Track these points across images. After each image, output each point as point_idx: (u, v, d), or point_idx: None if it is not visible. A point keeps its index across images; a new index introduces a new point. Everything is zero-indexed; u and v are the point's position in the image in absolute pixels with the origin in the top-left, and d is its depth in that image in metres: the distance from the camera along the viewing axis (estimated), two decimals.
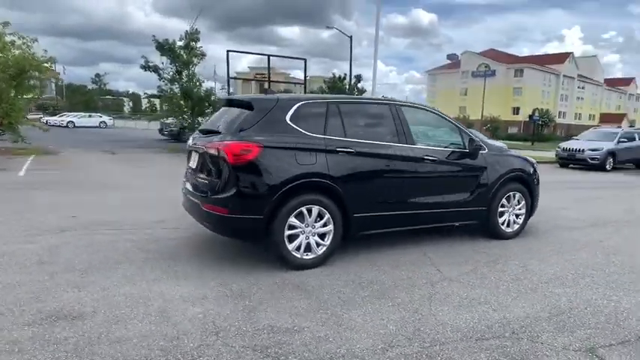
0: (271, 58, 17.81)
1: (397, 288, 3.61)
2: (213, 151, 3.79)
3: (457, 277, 3.91)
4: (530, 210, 5.42)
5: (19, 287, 3.37)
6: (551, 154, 19.51)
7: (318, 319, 3.00)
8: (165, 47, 16.33)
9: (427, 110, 5.03)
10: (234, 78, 26.27)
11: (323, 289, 3.53)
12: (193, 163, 4.25)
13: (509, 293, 3.57)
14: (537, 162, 5.95)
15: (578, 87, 77.23)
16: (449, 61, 72.80)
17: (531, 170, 5.41)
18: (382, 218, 4.30)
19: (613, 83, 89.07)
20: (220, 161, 3.71)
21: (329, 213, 3.94)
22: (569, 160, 16.13)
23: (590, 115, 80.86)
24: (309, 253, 3.92)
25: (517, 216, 5.30)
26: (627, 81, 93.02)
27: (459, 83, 73.81)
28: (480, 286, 3.72)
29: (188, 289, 3.44)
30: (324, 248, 3.99)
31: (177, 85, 16.68)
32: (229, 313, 3.06)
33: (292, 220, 3.79)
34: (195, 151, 4.19)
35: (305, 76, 20.97)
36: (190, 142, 4.45)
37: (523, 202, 5.31)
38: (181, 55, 16.43)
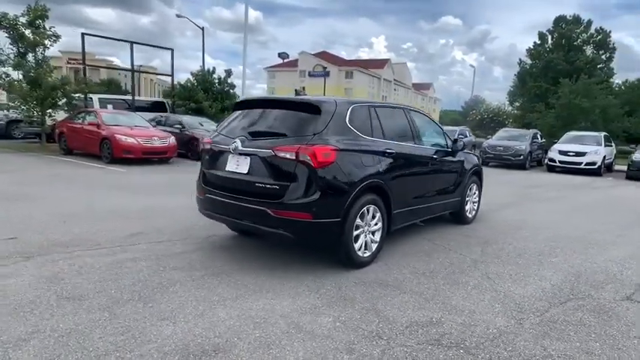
0: (89, 43, 16.19)
1: (455, 273, 4.10)
2: (288, 155, 3.60)
3: (481, 258, 4.61)
4: (479, 198, 6.54)
5: (92, 333, 2.69)
6: None
7: (438, 309, 3.27)
8: (2, 22, 13.13)
9: (421, 114, 5.61)
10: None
11: (404, 283, 3.78)
12: (237, 167, 3.91)
13: (530, 267, 4.41)
14: None
15: (394, 89, 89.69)
16: (281, 60, 76.60)
17: (480, 164, 6.53)
18: (410, 213, 4.72)
19: (418, 87, 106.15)
20: (299, 165, 3.57)
21: (379, 211, 4.16)
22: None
23: None
24: (366, 252, 4.08)
25: (474, 203, 6.34)
26: (427, 86, 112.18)
27: (297, 82, 77.69)
28: (506, 262, 4.49)
29: (288, 301, 3.27)
30: (376, 245, 4.20)
31: (21, 71, 13.60)
32: (360, 316, 3.08)
33: (357, 220, 3.90)
34: (245, 155, 3.86)
35: (172, 69, 19.49)
36: (224, 144, 4.07)
37: (477, 192, 6.39)
38: (26, 35, 13.45)
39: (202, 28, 26.50)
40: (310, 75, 75.18)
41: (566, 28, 48.94)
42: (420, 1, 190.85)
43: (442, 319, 3.10)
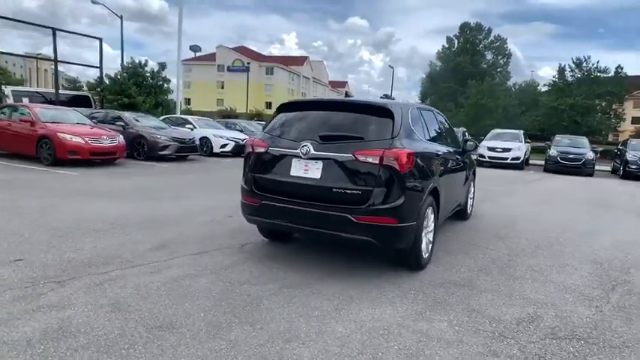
0: None
1: (505, 268, 4.35)
2: (371, 159, 3.52)
3: (512, 252, 4.94)
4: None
5: None
6: None
7: (524, 304, 3.45)
8: None
9: (442, 115, 5.78)
10: None
11: (473, 281, 3.92)
12: (306, 172, 3.72)
13: (556, 258, 4.83)
14: None
15: (313, 87, 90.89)
16: (193, 53, 73.83)
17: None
18: (444, 211, 4.88)
19: (334, 85, 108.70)
20: (383, 169, 3.51)
21: (433, 212, 4.26)
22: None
23: None
24: (426, 253, 4.16)
25: (471, 199, 6.75)
26: (343, 83, 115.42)
27: (216, 76, 75.24)
28: (535, 255, 4.86)
29: (389, 309, 3.22)
30: (431, 246, 4.29)
31: None
32: (467, 318, 3.14)
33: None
34: (317, 159, 3.69)
35: (101, 60, 17.73)
36: (287, 147, 3.84)
37: (473, 189, 6.81)
38: None
39: (121, 17, 24.41)
40: (230, 70, 73.24)
41: (470, 34, 53.48)
42: (329, 1, 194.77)
43: (537, 313, 3.28)
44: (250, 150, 4.13)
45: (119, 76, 18.65)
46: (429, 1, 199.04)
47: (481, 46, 53.89)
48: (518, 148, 18.13)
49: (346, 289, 3.55)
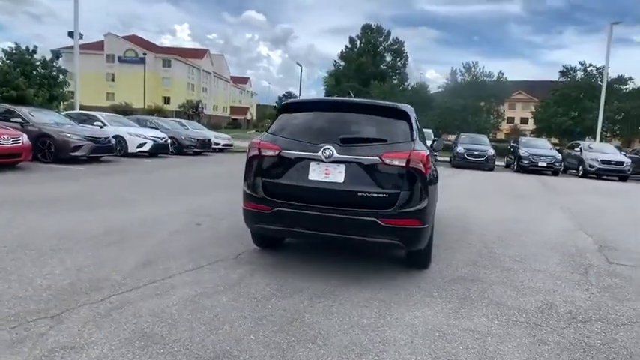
0: None
1: (497, 261, 4.68)
2: (397, 162, 3.51)
3: (496, 245, 5.33)
4: None
5: None
6: None
7: (535, 292, 3.76)
8: None
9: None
10: None
11: (480, 276, 4.15)
12: (327, 176, 3.58)
13: (545, 250, 5.34)
14: None
15: (214, 82, 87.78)
16: (71, 40, 66.64)
17: None
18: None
19: (236, 81, 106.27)
20: (409, 172, 3.53)
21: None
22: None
23: (223, 107, 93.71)
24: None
25: None
26: (245, 79, 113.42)
27: (105, 67, 68.68)
28: (504, 246, 5.32)
29: (429, 310, 3.27)
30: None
31: None
32: (499, 312, 3.33)
33: None
34: (339, 163, 3.56)
35: None
36: (303, 150, 3.65)
37: None
38: None
39: None
40: (121, 60, 67.59)
41: (371, 36, 56.26)
42: None
43: (548, 300, 3.60)
44: (256, 153, 3.85)
45: (2, 65, 15.95)
46: (325, 1, 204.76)
47: (381, 47, 57.04)
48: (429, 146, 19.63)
49: (375, 293, 3.51)
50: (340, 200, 3.57)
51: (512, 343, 2.81)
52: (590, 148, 19.79)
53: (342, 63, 58.19)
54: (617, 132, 38.89)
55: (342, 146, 3.60)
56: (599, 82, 37.57)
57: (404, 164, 3.52)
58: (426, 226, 3.63)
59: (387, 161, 3.52)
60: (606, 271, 4.46)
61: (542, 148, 19.92)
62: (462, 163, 18.65)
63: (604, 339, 2.95)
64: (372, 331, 2.88)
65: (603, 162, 17.72)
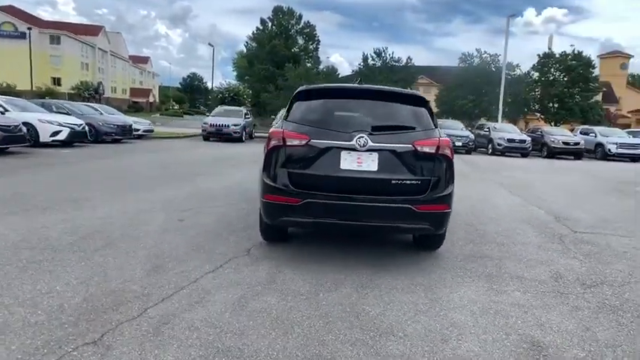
0: None
1: (497, 237, 5.01)
2: (428, 149, 3.56)
3: (470, 223, 5.69)
4: None
5: None
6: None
7: (543, 263, 4.13)
8: None
9: None
10: None
11: (488, 253, 4.42)
12: (361, 164, 3.51)
13: (519, 226, 5.80)
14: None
15: (112, 61, 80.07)
16: None
17: None
18: None
19: (135, 60, 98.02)
20: (438, 158, 3.60)
21: None
22: (216, 135, 18.94)
23: (123, 89, 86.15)
24: None
25: None
26: (145, 59, 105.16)
27: None
28: (483, 223, 5.72)
29: (469, 289, 3.42)
30: None
31: None
32: (520, 284, 3.60)
33: None
34: (371, 151, 3.51)
35: None
36: (334, 139, 3.52)
37: None
38: None
39: None
40: None
41: (283, 18, 55.49)
42: None
43: (553, 269, 3.98)
44: (280, 143, 3.62)
45: None
46: None
47: (293, 30, 56.54)
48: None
49: (411, 279, 3.58)
50: (374, 188, 3.54)
51: (555, 312, 3.07)
52: (495, 128, 21.99)
53: (254, 45, 56.72)
54: (506, 113, 43.49)
55: (373, 134, 3.55)
56: (493, 69, 41.85)
57: (434, 151, 3.59)
58: (450, 209, 3.76)
59: (419, 148, 3.56)
60: (578, 240, 5.04)
61: (456, 129, 21.64)
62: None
63: (619, 299, 3.35)
64: (436, 316, 2.94)
65: (509, 140, 19.83)
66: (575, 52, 41.54)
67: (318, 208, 3.56)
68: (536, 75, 43.08)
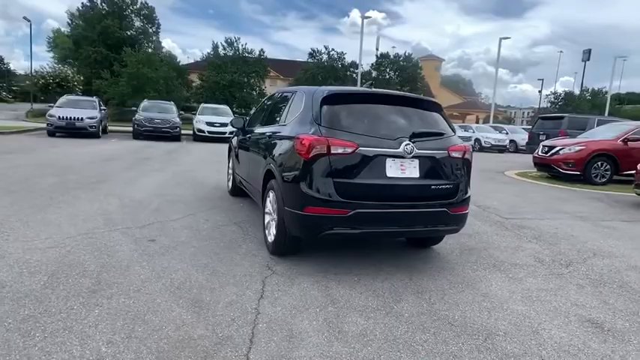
0: None
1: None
2: (458, 154, 3.78)
3: None
4: None
5: None
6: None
7: (527, 242, 4.81)
8: None
9: None
10: None
11: (482, 241, 4.92)
12: (404, 172, 3.55)
13: None
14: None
15: None
16: None
17: None
18: None
19: None
20: (464, 162, 3.86)
21: None
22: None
23: None
24: None
25: None
26: None
27: None
28: None
29: (507, 276, 3.81)
30: None
31: None
32: (535, 271, 4.18)
33: None
34: (413, 158, 3.56)
35: None
36: (379, 147, 3.46)
37: None
38: None
39: None
40: None
41: None
42: None
43: (538, 253, 4.64)
44: (324, 151, 3.39)
45: None
46: None
47: (128, 10, 50.89)
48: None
49: (445, 277, 3.79)
50: (417, 194, 3.63)
51: (572, 292, 3.65)
52: None
53: (81, 23, 49.28)
54: None
55: (414, 141, 3.62)
56: (340, 65, 45.15)
57: (461, 156, 3.85)
58: (468, 210, 4.07)
59: (452, 154, 3.77)
60: (515, 225, 5.97)
61: None
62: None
63: (596, 274, 4.15)
64: (504, 311, 3.20)
65: None
66: (406, 54, 47.79)
67: (367, 218, 3.48)
68: (374, 73, 48.11)
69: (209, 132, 18.65)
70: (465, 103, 70.51)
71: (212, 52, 43.91)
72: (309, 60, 46.76)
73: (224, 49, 43.47)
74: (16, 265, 3.42)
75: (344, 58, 45.19)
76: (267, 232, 4.22)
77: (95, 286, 3.15)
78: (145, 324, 2.67)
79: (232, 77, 40.06)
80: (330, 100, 3.73)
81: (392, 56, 48.06)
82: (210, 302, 3.02)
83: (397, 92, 4.28)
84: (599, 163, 10.30)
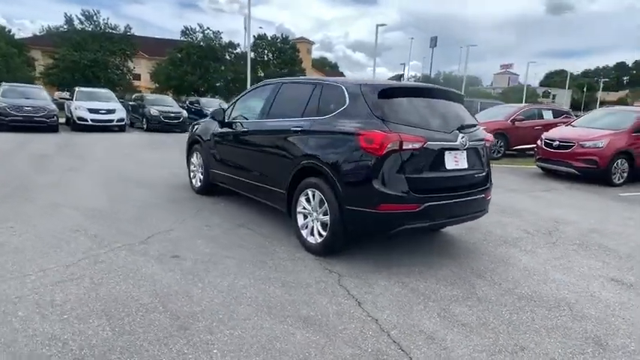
0: None
1: None
2: (487, 143, 4.08)
3: None
4: None
5: None
6: None
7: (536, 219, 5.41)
8: None
9: None
10: None
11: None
12: (457, 163, 3.72)
13: None
14: None
15: None
16: None
17: None
18: None
19: None
20: (488, 151, 4.19)
21: None
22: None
23: None
24: None
25: None
26: None
27: None
28: None
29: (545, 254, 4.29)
30: None
31: None
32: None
33: None
34: (463, 150, 3.74)
35: None
36: (440, 140, 3.56)
37: None
38: None
39: None
40: None
41: None
42: None
43: (516, 222, 5.31)
44: (396, 147, 3.35)
45: None
46: None
47: None
48: (120, 108, 17.31)
49: (477, 267, 4.10)
50: (467, 184, 3.86)
51: (585, 257, 4.31)
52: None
53: None
54: (232, 90, 45.90)
55: (462, 133, 3.79)
56: (217, 45, 43.05)
57: (489, 145, 4.16)
58: None
59: (487, 144, 4.06)
60: None
61: (170, 105, 19.49)
62: (158, 126, 17.48)
63: (583, 236, 4.94)
64: (553, 280, 3.67)
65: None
66: (283, 35, 47.78)
67: (435, 211, 3.58)
68: (253, 55, 47.09)
69: (93, 120, 16.23)
70: None
71: (66, 27, 37.86)
72: (183, 39, 43.56)
73: (81, 23, 37.80)
74: (47, 311, 2.68)
75: (220, 37, 43.23)
76: (303, 232, 4.01)
77: (178, 322, 2.66)
78: (284, 354, 2.38)
79: (95, 56, 35.24)
80: (385, 94, 3.66)
81: (269, 37, 47.63)
82: (320, 317, 2.82)
83: (434, 85, 4.38)
84: (496, 140, 11.94)
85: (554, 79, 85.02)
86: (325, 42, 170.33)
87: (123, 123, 17.09)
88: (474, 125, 4.12)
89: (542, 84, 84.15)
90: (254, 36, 47.08)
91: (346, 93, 3.82)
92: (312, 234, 3.93)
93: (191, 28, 43.40)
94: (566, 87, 63.76)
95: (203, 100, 23.21)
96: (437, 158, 3.62)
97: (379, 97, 3.63)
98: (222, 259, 3.73)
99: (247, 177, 4.87)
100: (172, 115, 18.29)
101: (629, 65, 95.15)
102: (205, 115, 19.95)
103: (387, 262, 3.84)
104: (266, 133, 4.60)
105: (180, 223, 4.70)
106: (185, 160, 6.53)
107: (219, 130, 5.47)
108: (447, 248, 4.33)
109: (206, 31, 43.20)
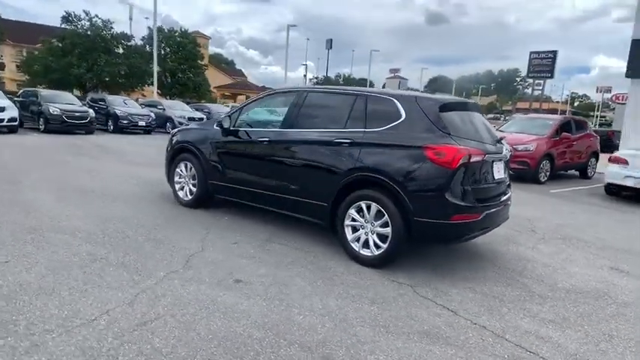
0: None
1: None
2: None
3: None
4: None
5: None
6: None
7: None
8: None
9: None
10: None
11: None
12: (499, 172, 4.08)
13: None
14: None
15: None
16: None
17: None
18: None
19: None
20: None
21: None
22: None
23: None
24: None
25: None
26: None
27: None
28: None
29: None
30: None
31: None
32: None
33: None
34: (503, 160, 4.12)
35: None
36: (492, 152, 3.86)
37: None
38: None
39: None
40: None
41: None
42: None
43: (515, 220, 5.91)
44: (466, 160, 3.55)
45: None
46: None
47: None
48: (10, 106, 14.81)
49: (504, 257, 4.53)
50: (502, 192, 4.21)
51: (590, 252, 4.99)
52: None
53: None
54: (124, 85, 41.85)
55: (499, 144, 4.14)
56: (107, 35, 38.90)
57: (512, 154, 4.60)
58: None
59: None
60: None
61: (72, 103, 17.35)
62: (60, 127, 15.35)
63: (579, 233, 5.69)
64: (574, 274, 4.21)
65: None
66: (182, 29, 45.12)
67: (489, 219, 3.86)
68: (148, 48, 43.60)
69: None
70: (236, 83, 72.20)
71: None
72: (65, 26, 38.64)
73: None
74: None
75: (111, 27, 39.12)
76: (354, 245, 3.99)
77: (317, 353, 2.51)
78: None
79: None
80: (445, 108, 3.82)
81: (167, 30, 44.65)
82: (435, 330, 2.88)
83: (470, 100, 4.65)
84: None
85: (437, 84, 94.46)
86: (216, 37, 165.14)
87: (15, 123, 14.66)
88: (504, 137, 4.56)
89: (426, 88, 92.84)
90: (148, 27, 43.69)
91: (400, 106, 3.89)
92: (364, 246, 3.93)
93: (75, 15, 38.68)
94: (452, 92, 71.37)
95: (110, 97, 20.81)
96: (489, 169, 3.93)
97: (440, 110, 3.78)
98: (286, 279, 3.54)
99: (271, 189, 4.62)
100: (78, 114, 16.23)
101: (495, 73, 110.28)
102: (115, 116, 18.45)
103: (440, 268, 4.02)
104: (297, 143, 4.42)
105: (200, 242, 4.31)
106: (165, 172, 5.93)
107: (224, 138, 5.09)
108: (469, 250, 4.67)
109: (94, 19, 38.84)
